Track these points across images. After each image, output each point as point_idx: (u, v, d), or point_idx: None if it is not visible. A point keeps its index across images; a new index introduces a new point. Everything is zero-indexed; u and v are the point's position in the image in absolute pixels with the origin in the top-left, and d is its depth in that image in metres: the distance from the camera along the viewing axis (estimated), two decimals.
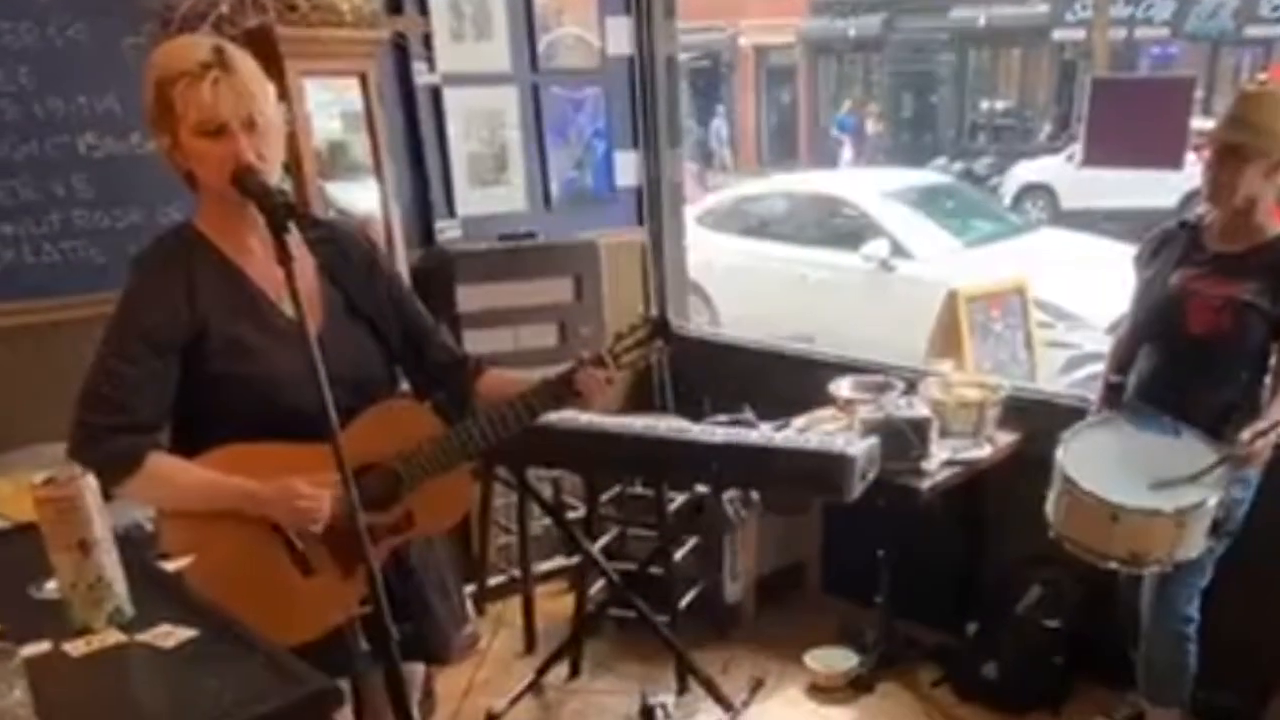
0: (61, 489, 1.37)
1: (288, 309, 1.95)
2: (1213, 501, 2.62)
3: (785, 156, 21.09)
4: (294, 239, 1.96)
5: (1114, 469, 2.75)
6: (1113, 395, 3.02)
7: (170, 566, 1.75)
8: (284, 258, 1.74)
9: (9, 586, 1.55)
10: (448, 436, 2.07)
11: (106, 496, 1.70)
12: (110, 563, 1.41)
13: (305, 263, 2.01)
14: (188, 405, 1.96)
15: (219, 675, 1.31)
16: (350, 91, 3.65)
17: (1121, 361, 3.02)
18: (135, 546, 1.65)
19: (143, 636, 1.40)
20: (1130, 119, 3.77)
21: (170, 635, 1.39)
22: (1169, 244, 2.91)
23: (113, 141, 3.10)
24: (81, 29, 3.03)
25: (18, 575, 1.56)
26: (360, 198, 3.69)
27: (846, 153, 19.47)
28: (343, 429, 1.87)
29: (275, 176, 1.92)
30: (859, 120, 20.34)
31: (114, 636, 1.39)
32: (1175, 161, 3.70)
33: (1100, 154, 3.92)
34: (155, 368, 1.89)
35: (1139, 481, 2.70)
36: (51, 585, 1.52)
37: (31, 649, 1.34)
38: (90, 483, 1.39)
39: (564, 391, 2.11)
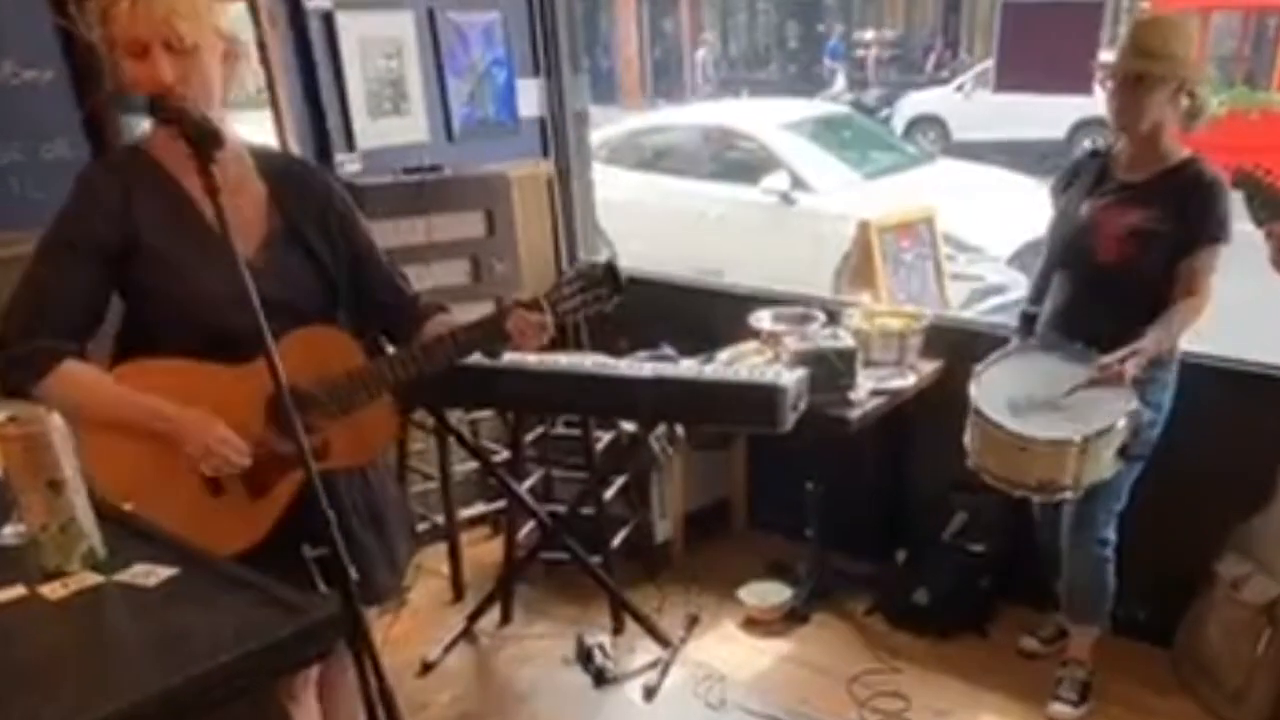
0: (27, 426, 1.35)
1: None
2: (1120, 424, 2.79)
3: (671, 88, 21.05)
4: (246, 165, 2.06)
5: (1023, 400, 2.92)
6: (1028, 325, 3.19)
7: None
8: (211, 187, 1.75)
9: None
10: (368, 366, 2.11)
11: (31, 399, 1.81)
12: (81, 503, 1.40)
13: (253, 188, 2.08)
14: (123, 319, 2.03)
15: (211, 610, 1.32)
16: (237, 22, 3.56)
17: (1039, 291, 3.18)
18: None
19: (121, 576, 1.39)
20: (1040, 44, 3.92)
21: (150, 574, 1.39)
22: (1081, 174, 3.08)
23: None
24: None
25: None
26: (252, 131, 3.61)
27: (840, 82, 19.63)
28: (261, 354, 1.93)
29: (212, 100, 1.94)
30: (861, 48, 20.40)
31: (91, 578, 1.39)
32: (1085, 86, 3.86)
33: (1012, 79, 4.08)
34: (82, 276, 1.95)
35: (1048, 411, 2.86)
36: (9, 530, 1.50)
37: (5, 594, 1.33)
38: (57, 421, 1.38)
39: (495, 333, 2.14)
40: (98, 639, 1.31)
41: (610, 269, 2.17)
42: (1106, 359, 2.79)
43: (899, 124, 14.85)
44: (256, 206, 2.07)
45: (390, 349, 2.27)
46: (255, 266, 1.97)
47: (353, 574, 1.85)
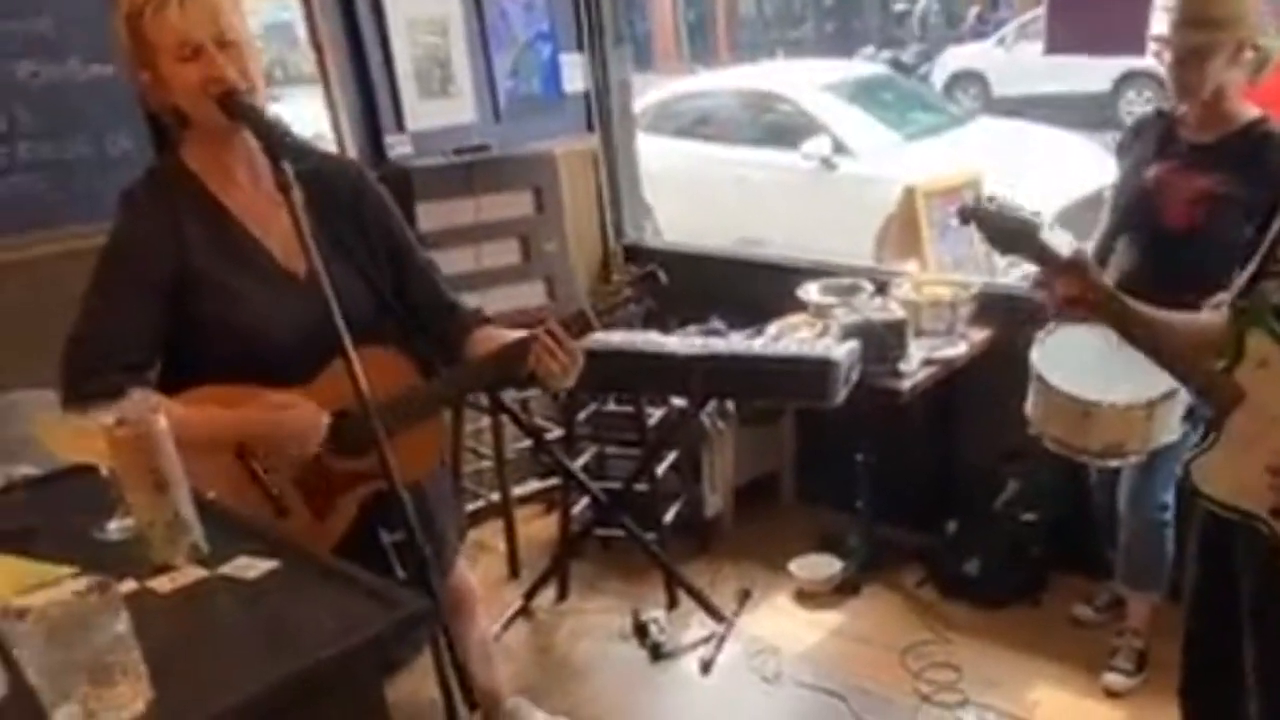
0: (137, 428, 1.44)
1: (273, 247, 2.06)
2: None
3: (705, 51, 20.88)
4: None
5: (1087, 365, 2.91)
6: None
7: None
8: (284, 184, 1.78)
9: (72, 529, 1.62)
10: (421, 387, 2.14)
11: None
12: (184, 499, 1.49)
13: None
14: (172, 344, 2.04)
15: (311, 603, 1.41)
16: (281, 10, 3.62)
17: (1099, 256, 3.18)
18: None
19: (224, 570, 1.48)
20: (1092, 3, 3.89)
21: (251, 567, 1.48)
22: (1145, 132, 3.06)
23: (52, 67, 3.05)
24: None
25: (79, 518, 1.64)
26: (302, 115, 3.69)
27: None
28: (318, 374, 1.98)
29: (258, 96, 1.96)
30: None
31: (196, 572, 1.48)
32: (1138, 46, 3.84)
33: (1063, 40, 4.02)
34: (139, 308, 1.97)
35: (1112, 375, 2.85)
36: (114, 525, 1.60)
37: (121, 587, 1.42)
38: (162, 421, 1.47)
39: (521, 359, 2.14)
40: (208, 632, 1.40)
41: (650, 276, 2.23)
42: None
43: (939, 80, 14.67)
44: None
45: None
46: (304, 283, 1.97)
47: (428, 554, 1.92)
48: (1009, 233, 2.17)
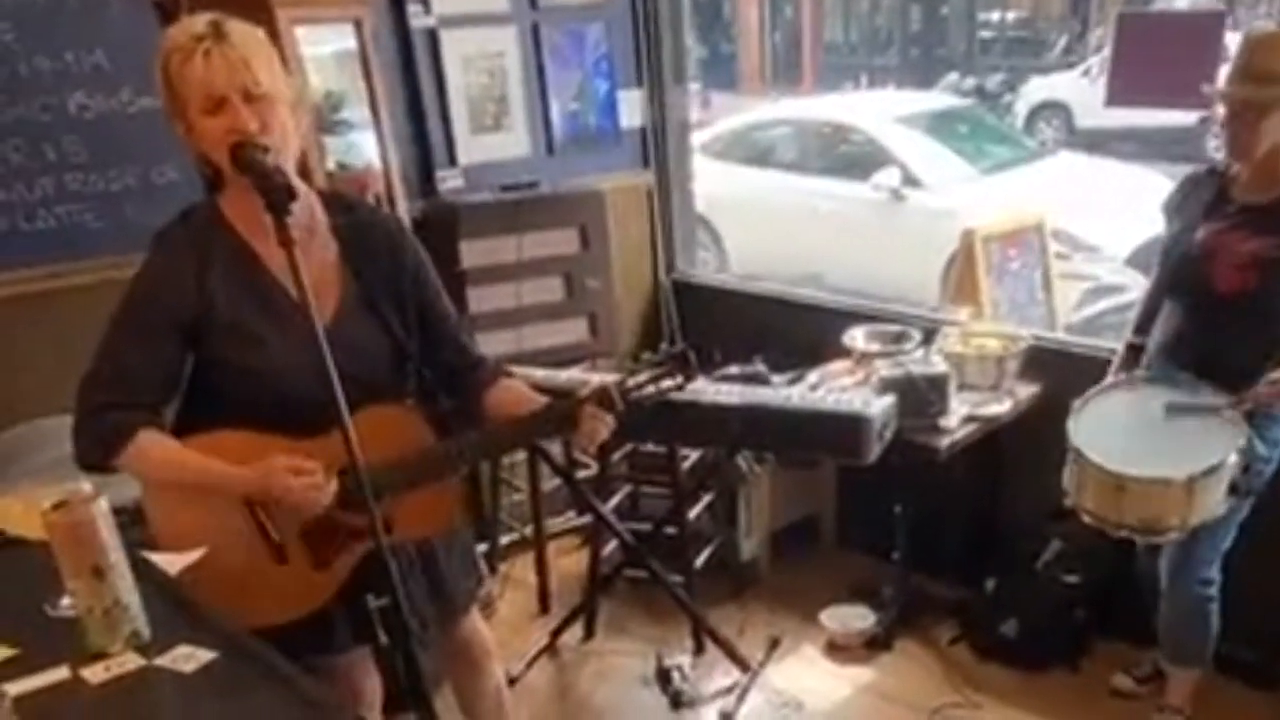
0: (73, 514, 1.36)
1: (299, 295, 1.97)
2: (1231, 460, 2.59)
3: (790, 77, 20.64)
4: (318, 222, 2.00)
5: (1124, 436, 2.73)
6: (1131, 356, 2.99)
7: (176, 564, 1.73)
8: (284, 239, 1.72)
9: (24, 603, 1.55)
10: (435, 449, 2.05)
11: (109, 470, 1.77)
12: (125, 586, 1.40)
13: (326, 248, 2.02)
14: (192, 384, 1.98)
15: (240, 702, 1.31)
16: (343, 40, 3.57)
17: (1144, 321, 2.98)
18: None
19: (161, 660, 1.40)
20: (1158, 56, 3.68)
21: (190, 658, 1.39)
22: (1196, 191, 2.85)
23: (103, 100, 3.03)
24: None
25: (32, 591, 1.56)
26: (358, 148, 3.64)
27: None
28: (331, 428, 1.85)
29: (290, 152, 1.91)
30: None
31: (133, 661, 1.39)
32: (1204, 101, 3.63)
33: (1126, 92, 3.83)
34: (159, 348, 1.92)
35: (1153, 447, 2.67)
36: (66, 602, 1.52)
37: (50, 676, 1.34)
38: (102, 506, 1.38)
39: (565, 423, 2.08)
40: None
41: (682, 357, 2.09)
42: (1261, 388, 2.58)
43: (1022, 109, 14.29)
44: (330, 270, 2.01)
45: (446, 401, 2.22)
46: (329, 337, 1.89)
47: (414, 627, 1.84)
48: None
